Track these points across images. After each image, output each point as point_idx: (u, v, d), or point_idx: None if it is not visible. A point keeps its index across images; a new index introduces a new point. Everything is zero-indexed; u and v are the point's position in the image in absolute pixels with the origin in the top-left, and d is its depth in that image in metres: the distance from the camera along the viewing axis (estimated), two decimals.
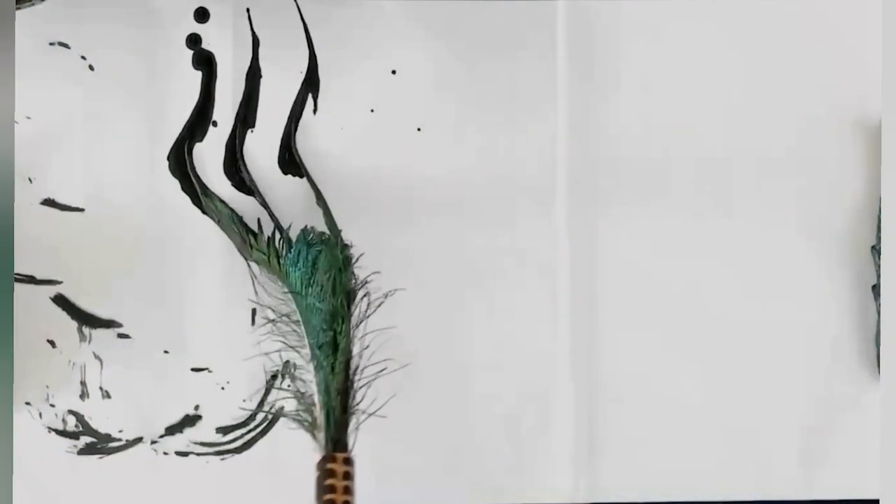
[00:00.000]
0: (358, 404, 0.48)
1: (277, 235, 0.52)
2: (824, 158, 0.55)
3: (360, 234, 0.52)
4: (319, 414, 0.47)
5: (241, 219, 0.52)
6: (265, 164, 0.53)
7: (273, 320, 0.50)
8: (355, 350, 0.48)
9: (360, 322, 0.49)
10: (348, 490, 0.43)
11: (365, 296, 0.50)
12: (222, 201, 0.53)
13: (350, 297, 0.49)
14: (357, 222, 0.53)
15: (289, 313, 0.50)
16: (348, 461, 0.44)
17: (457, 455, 0.53)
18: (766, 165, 0.55)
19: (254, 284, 0.52)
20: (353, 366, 0.48)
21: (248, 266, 0.52)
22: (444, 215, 0.54)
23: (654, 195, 0.54)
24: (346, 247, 0.50)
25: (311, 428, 0.47)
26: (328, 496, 0.43)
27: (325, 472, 0.44)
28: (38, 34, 0.53)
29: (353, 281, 0.50)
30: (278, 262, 0.50)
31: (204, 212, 0.53)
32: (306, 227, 0.51)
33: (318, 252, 0.49)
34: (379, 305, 0.50)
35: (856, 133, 0.55)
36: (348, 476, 0.44)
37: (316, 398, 0.47)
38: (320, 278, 0.48)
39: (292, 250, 0.50)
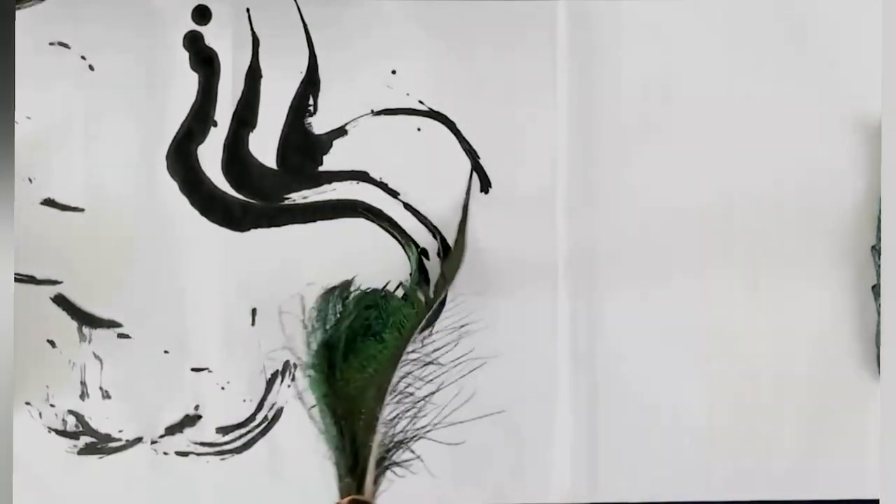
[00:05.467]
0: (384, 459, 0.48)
1: None
2: (824, 158, 0.55)
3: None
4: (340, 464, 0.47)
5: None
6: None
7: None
8: None
9: None
10: None
11: None
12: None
13: None
14: None
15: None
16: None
17: (458, 455, 0.53)
18: (767, 165, 0.55)
19: None
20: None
21: None
22: None
23: (654, 194, 0.54)
24: None
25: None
26: None
27: None
28: (38, 34, 0.53)
29: None
30: None
31: (202, 213, 0.53)
32: None
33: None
34: None
35: (856, 133, 0.55)
36: None
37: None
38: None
39: None
